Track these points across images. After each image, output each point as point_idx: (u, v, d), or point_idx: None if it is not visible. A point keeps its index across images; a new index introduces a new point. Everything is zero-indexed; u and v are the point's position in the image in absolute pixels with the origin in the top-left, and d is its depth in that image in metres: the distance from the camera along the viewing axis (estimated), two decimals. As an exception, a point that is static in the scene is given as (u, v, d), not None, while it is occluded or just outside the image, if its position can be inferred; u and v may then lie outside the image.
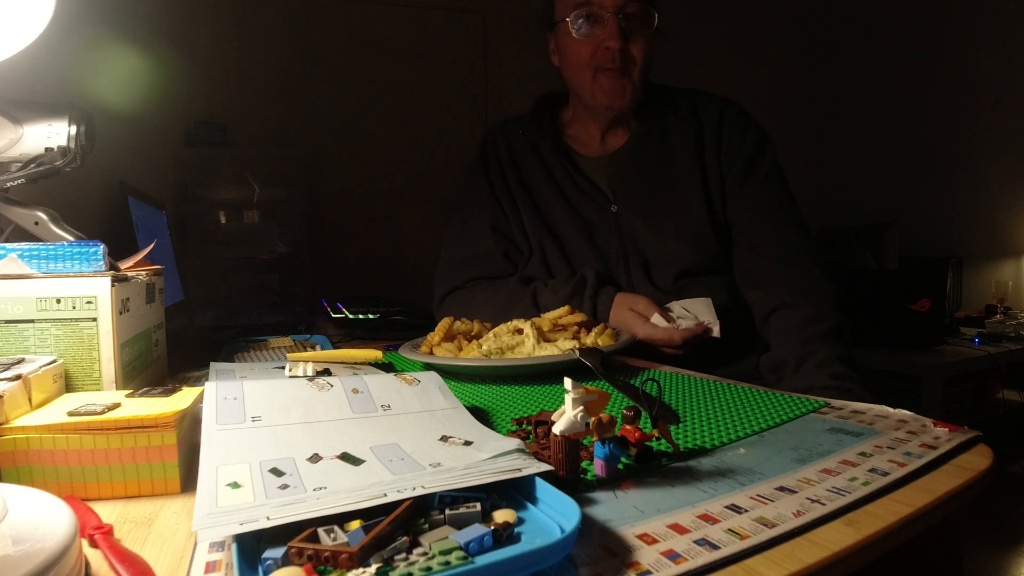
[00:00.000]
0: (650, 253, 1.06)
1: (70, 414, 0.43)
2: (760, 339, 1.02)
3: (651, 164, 1.08)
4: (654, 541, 0.34)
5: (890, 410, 0.55)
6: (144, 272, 0.69)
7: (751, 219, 1.04)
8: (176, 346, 0.83)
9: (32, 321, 0.56)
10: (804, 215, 1.06)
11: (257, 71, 2.45)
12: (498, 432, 0.49)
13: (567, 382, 0.42)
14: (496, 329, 0.82)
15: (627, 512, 0.37)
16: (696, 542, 0.33)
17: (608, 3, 0.99)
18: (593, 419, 0.41)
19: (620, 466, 0.45)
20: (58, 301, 0.56)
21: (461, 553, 0.30)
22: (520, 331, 0.81)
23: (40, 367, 0.49)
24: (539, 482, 0.37)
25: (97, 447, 0.42)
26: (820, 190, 3.53)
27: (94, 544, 0.35)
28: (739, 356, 1.03)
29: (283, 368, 0.71)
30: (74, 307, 0.57)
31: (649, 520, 0.36)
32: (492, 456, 0.41)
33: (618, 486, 0.41)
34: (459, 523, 0.33)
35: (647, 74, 1.05)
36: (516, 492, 0.39)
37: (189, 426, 0.46)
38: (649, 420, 0.46)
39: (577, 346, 0.77)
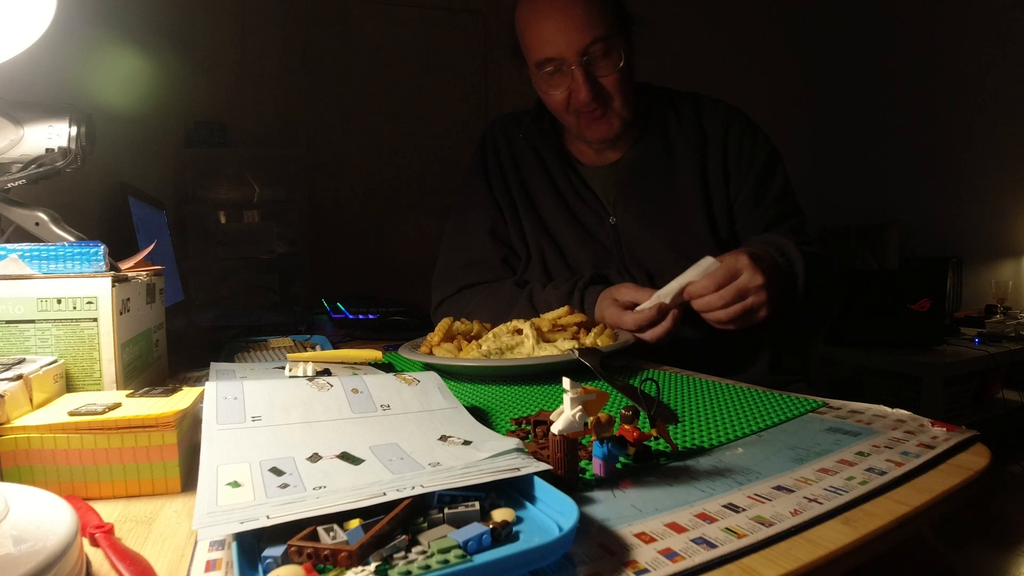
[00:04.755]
0: (650, 266, 1.04)
1: (71, 414, 0.43)
2: (767, 345, 1.02)
3: (651, 177, 1.06)
4: (652, 540, 0.34)
5: (888, 410, 0.55)
6: (144, 272, 0.69)
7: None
8: (176, 346, 0.83)
9: (33, 321, 0.56)
10: (805, 217, 1.05)
11: (257, 71, 2.45)
12: (497, 432, 0.49)
13: (566, 382, 0.42)
14: (495, 329, 0.83)
15: (625, 511, 0.37)
16: (694, 541, 0.33)
17: (569, 56, 0.96)
18: (591, 419, 0.41)
19: (618, 465, 0.45)
20: (59, 301, 0.57)
21: (460, 552, 0.30)
22: (519, 331, 0.81)
23: (41, 367, 0.49)
24: (538, 481, 0.38)
25: (98, 447, 0.42)
26: (820, 190, 3.53)
27: (95, 543, 0.35)
28: (747, 363, 1.02)
29: (283, 368, 0.72)
30: (75, 307, 0.57)
31: (647, 519, 0.36)
32: (491, 455, 0.42)
33: (616, 485, 0.41)
34: (458, 522, 0.34)
35: (631, 95, 1.02)
36: (515, 491, 0.39)
37: (189, 426, 0.47)
38: (647, 420, 0.46)
39: (576, 346, 0.77)
